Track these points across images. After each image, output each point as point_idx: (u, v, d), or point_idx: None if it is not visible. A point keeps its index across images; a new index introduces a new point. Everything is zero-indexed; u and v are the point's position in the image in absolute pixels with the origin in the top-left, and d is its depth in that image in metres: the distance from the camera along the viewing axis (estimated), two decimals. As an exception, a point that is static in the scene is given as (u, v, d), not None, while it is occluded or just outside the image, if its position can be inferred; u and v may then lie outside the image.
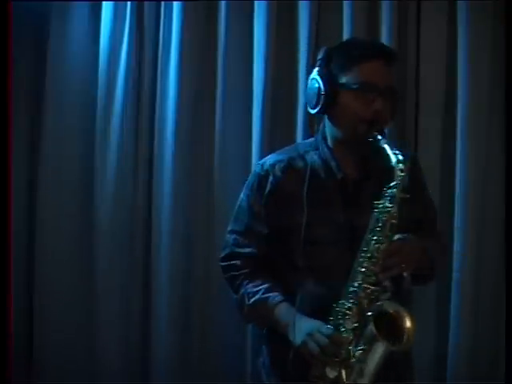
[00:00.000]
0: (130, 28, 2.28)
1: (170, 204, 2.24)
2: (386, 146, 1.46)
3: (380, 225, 1.44)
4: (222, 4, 2.21)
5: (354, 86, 1.51)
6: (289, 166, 1.61)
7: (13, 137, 2.13)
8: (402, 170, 1.43)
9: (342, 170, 1.57)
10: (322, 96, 1.53)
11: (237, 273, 1.62)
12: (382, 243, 1.43)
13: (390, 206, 1.43)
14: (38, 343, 2.33)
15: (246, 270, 1.61)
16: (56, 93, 2.33)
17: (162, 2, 2.26)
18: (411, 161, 1.56)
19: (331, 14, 2.15)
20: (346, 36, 2.08)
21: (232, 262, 1.64)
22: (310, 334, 1.44)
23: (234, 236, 1.65)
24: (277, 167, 1.61)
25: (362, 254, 1.45)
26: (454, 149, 2.02)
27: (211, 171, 2.24)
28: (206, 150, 2.25)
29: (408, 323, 1.39)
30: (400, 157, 1.44)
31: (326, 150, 1.60)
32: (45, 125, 2.33)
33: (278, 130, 2.14)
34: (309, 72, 1.65)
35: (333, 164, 1.57)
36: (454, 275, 2.00)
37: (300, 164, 1.60)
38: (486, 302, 2.00)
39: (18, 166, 2.31)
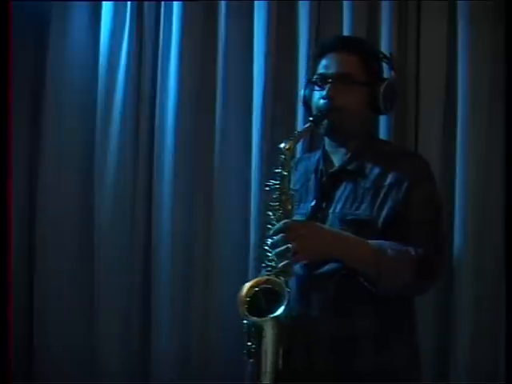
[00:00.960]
0: (130, 28, 2.29)
1: (170, 204, 2.25)
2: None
3: (276, 203, 1.51)
4: (222, 4, 2.21)
5: (312, 80, 1.66)
6: (295, 164, 1.72)
7: (13, 137, 2.14)
8: (284, 148, 1.51)
9: (325, 163, 1.66)
10: (303, 103, 1.71)
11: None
12: (275, 221, 1.49)
13: (277, 183, 1.51)
14: (38, 343, 2.33)
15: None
16: (56, 93, 2.33)
17: (162, 2, 2.26)
18: (408, 160, 1.61)
19: (331, 13, 2.15)
20: (345, 36, 2.08)
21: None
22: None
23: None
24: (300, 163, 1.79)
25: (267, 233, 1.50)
26: (454, 149, 2.02)
27: (211, 171, 2.24)
28: (206, 150, 2.25)
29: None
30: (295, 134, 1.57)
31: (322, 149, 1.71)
32: (45, 125, 2.33)
33: (278, 130, 2.13)
34: (309, 72, 1.70)
35: (319, 157, 1.68)
36: (454, 275, 2.00)
37: (303, 163, 1.77)
38: (486, 301, 2.00)
39: (18, 166, 2.32)
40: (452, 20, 2.03)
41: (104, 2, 2.31)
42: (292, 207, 1.51)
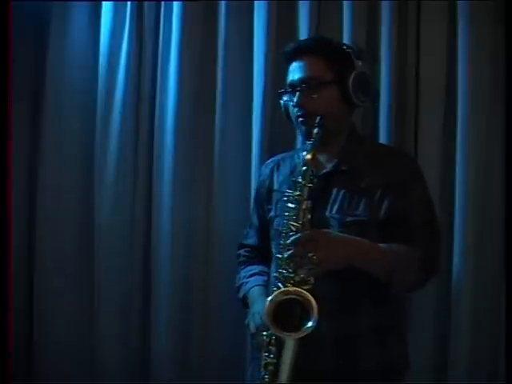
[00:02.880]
0: (130, 28, 2.28)
1: (170, 204, 2.24)
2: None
3: (294, 213, 1.48)
4: (222, 4, 2.21)
5: (284, 91, 1.67)
6: (275, 165, 1.78)
7: (13, 137, 2.14)
8: (306, 159, 1.49)
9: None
10: (284, 113, 1.70)
11: (238, 260, 1.86)
12: (294, 232, 1.46)
13: (298, 193, 1.48)
14: (38, 343, 2.33)
15: (244, 259, 1.85)
16: (56, 93, 2.33)
17: (162, 2, 2.26)
18: (397, 158, 1.63)
19: (331, 13, 2.15)
20: (346, 36, 2.08)
21: (238, 252, 1.88)
22: (253, 315, 1.59)
23: (246, 229, 1.89)
24: (267, 166, 1.82)
25: (281, 242, 1.49)
26: (454, 149, 2.02)
27: (211, 171, 2.24)
28: (206, 150, 2.25)
29: (298, 308, 1.38)
30: (308, 146, 1.53)
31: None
32: (45, 125, 2.33)
33: (278, 130, 2.13)
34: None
35: (304, 157, 1.62)
36: (454, 275, 2.00)
37: (286, 163, 1.76)
38: (486, 301, 2.00)
39: (18, 166, 2.32)
40: (452, 20, 2.03)
41: (104, 2, 2.31)
42: (310, 217, 1.48)
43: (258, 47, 2.15)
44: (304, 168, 1.49)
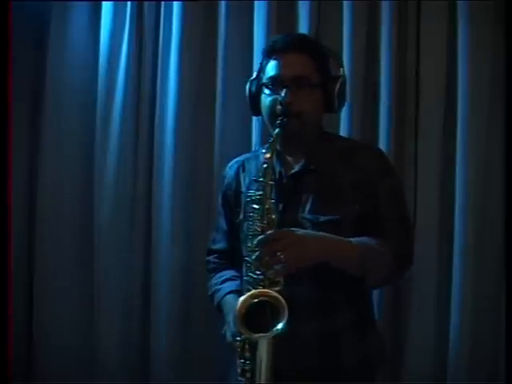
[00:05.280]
0: (130, 28, 2.28)
1: (170, 204, 2.25)
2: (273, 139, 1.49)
3: (258, 214, 1.45)
4: (222, 4, 2.21)
5: (264, 82, 1.58)
6: (241, 166, 1.72)
7: (13, 137, 2.14)
8: (265, 158, 1.45)
9: (282, 165, 1.60)
10: (248, 99, 1.65)
11: (208, 267, 1.80)
12: (259, 233, 1.43)
13: (260, 193, 1.45)
14: (38, 343, 2.33)
15: (214, 265, 1.78)
16: (56, 93, 2.33)
17: (162, 2, 2.26)
18: (366, 153, 1.60)
19: (331, 13, 2.15)
20: (346, 36, 2.08)
21: (207, 258, 1.82)
22: (228, 323, 1.56)
23: (213, 234, 1.83)
24: (232, 168, 1.75)
25: (248, 244, 1.46)
26: (454, 149, 2.02)
27: (211, 171, 2.24)
28: (206, 150, 2.25)
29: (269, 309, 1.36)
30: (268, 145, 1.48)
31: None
32: (45, 125, 2.33)
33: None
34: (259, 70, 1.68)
35: (275, 160, 1.57)
36: (454, 275, 2.00)
37: (252, 163, 1.70)
38: (486, 302, 2.00)
39: (18, 166, 2.32)
40: (452, 20, 2.03)
41: (104, 2, 2.31)
42: (275, 217, 1.45)
43: (257, 47, 2.15)
44: (265, 166, 1.45)
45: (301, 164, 1.59)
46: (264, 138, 2.13)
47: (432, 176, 2.05)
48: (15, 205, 2.20)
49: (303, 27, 2.13)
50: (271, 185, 1.45)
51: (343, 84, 1.59)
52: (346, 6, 2.09)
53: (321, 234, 1.47)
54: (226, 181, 1.75)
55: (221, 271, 1.75)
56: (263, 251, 1.38)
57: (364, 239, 1.49)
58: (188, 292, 2.26)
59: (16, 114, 2.18)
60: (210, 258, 1.81)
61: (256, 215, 1.45)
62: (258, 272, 1.41)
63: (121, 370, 2.30)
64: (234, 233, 1.71)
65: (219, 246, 1.79)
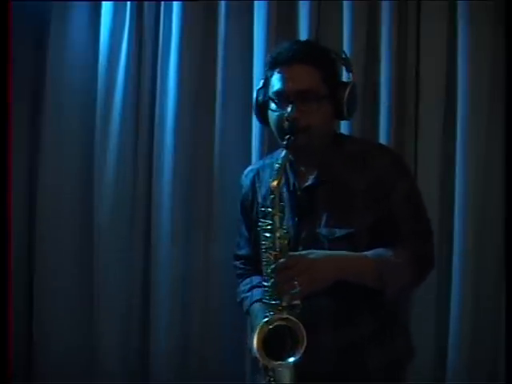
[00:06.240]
0: (130, 28, 2.28)
1: (170, 204, 2.24)
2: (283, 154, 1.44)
3: (270, 242, 1.43)
4: (222, 4, 2.21)
5: (270, 96, 1.53)
6: (256, 175, 1.69)
7: (13, 137, 2.13)
8: (272, 186, 1.41)
9: (296, 177, 1.57)
10: (255, 108, 1.62)
11: (237, 272, 1.78)
12: (272, 261, 1.41)
13: (270, 222, 1.42)
14: (38, 343, 2.33)
15: (241, 271, 1.77)
16: (56, 93, 2.33)
17: (162, 2, 2.26)
18: (380, 152, 1.57)
19: (331, 13, 2.15)
20: (346, 36, 2.08)
21: (234, 263, 1.80)
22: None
23: (237, 238, 1.79)
24: (248, 177, 1.73)
25: (263, 271, 1.45)
26: (454, 149, 2.02)
27: (211, 171, 2.24)
28: (206, 150, 2.25)
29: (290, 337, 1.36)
30: (275, 172, 1.42)
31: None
32: (45, 125, 2.33)
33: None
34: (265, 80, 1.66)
35: (288, 170, 1.56)
36: (454, 275, 2.00)
37: (266, 172, 1.66)
38: (486, 301, 2.00)
39: (18, 166, 2.31)
40: (452, 20, 2.03)
41: (104, 2, 2.31)
42: (288, 242, 1.43)
43: (257, 47, 2.15)
44: (272, 197, 1.41)
45: (314, 176, 1.56)
46: (265, 138, 2.14)
47: (432, 176, 2.05)
48: (15, 205, 2.19)
49: (303, 27, 2.12)
50: (280, 216, 1.43)
51: (353, 90, 1.54)
52: (345, 5, 2.09)
53: (335, 253, 1.46)
54: (243, 190, 1.73)
55: (248, 277, 1.72)
56: (278, 278, 1.38)
57: (380, 251, 1.47)
58: (188, 292, 2.26)
59: (16, 114, 2.18)
60: (237, 263, 1.78)
61: (268, 243, 1.44)
62: (274, 298, 1.41)
63: (121, 369, 2.30)
64: (255, 239, 1.64)
65: (244, 251, 1.76)
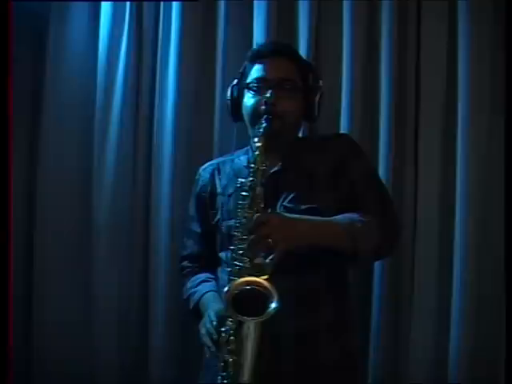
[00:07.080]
0: (129, 28, 2.28)
1: (169, 204, 2.24)
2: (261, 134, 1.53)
3: (246, 201, 1.47)
4: (222, 4, 2.21)
5: (249, 83, 1.64)
6: (216, 169, 1.76)
7: (13, 137, 2.13)
8: (257, 147, 1.50)
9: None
10: (229, 104, 1.72)
11: (183, 273, 1.83)
12: (247, 219, 1.45)
13: (251, 179, 1.48)
14: (38, 343, 2.32)
15: (188, 270, 1.81)
16: (56, 93, 2.32)
17: (161, 2, 2.26)
18: (338, 138, 1.71)
19: (331, 13, 2.14)
20: (346, 36, 2.08)
21: (180, 264, 1.85)
22: (204, 321, 1.56)
23: (184, 240, 1.86)
24: (206, 170, 1.80)
25: (235, 233, 1.48)
26: (454, 149, 2.02)
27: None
28: (204, 151, 2.25)
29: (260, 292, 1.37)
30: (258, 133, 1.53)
31: (251, 150, 1.68)
32: (44, 125, 2.33)
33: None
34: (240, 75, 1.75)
35: (249, 159, 1.60)
36: (456, 275, 2.00)
37: (227, 166, 1.75)
38: (486, 302, 2.00)
39: (18, 166, 2.31)
40: (452, 20, 2.03)
41: (103, 3, 2.31)
42: (264, 207, 1.47)
43: (257, 47, 2.15)
44: (257, 153, 1.49)
45: (280, 164, 1.63)
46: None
47: (432, 176, 2.05)
48: (15, 205, 2.19)
49: (303, 27, 2.12)
50: (262, 170, 1.48)
51: (322, 96, 1.68)
52: (345, 5, 2.09)
53: (304, 216, 1.52)
54: (201, 183, 1.79)
55: (194, 275, 1.77)
56: (254, 238, 1.40)
57: (347, 215, 1.53)
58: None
59: (16, 114, 2.18)
60: (184, 263, 1.85)
61: (245, 202, 1.48)
62: (244, 261, 1.43)
63: (120, 369, 2.30)
64: (208, 235, 1.73)
65: (191, 250, 1.82)
